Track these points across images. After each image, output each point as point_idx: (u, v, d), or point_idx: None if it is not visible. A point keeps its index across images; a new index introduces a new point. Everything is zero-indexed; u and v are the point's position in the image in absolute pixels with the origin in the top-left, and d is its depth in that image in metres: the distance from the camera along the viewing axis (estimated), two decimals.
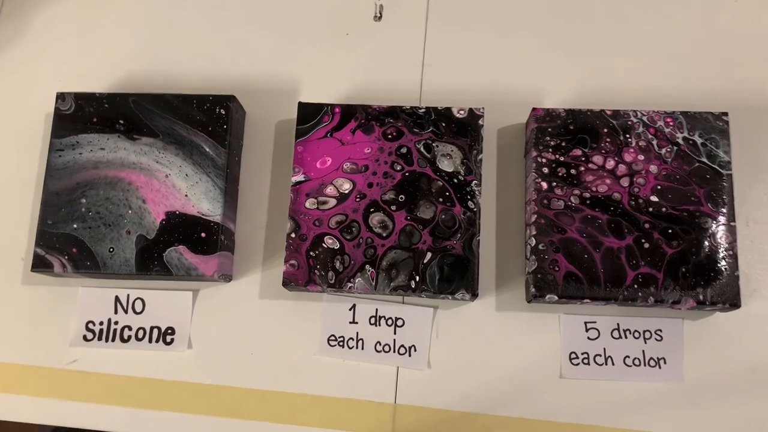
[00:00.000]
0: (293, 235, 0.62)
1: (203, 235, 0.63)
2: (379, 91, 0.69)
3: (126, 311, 0.66)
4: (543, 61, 0.70)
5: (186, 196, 0.64)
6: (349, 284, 0.61)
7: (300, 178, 0.64)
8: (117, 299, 0.66)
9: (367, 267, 0.61)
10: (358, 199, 0.63)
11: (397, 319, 0.64)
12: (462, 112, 0.64)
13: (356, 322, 0.64)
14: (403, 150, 0.63)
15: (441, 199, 0.62)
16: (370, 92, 0.69)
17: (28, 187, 0.69)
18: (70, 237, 0.63)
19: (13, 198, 0.69)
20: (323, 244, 0.62)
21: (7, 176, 0.70)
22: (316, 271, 0.61)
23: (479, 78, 0.69)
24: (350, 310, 0.65)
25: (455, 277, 0.60)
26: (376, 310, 0.65)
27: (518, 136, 0.67)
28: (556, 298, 0.59)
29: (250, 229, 0.67)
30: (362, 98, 0.69)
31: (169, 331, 0.65)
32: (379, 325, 0.64)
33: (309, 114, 0.65)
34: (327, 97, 0.69)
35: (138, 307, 0.66)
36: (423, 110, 0.64)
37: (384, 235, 0.62)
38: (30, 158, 0.70)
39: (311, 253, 0.62)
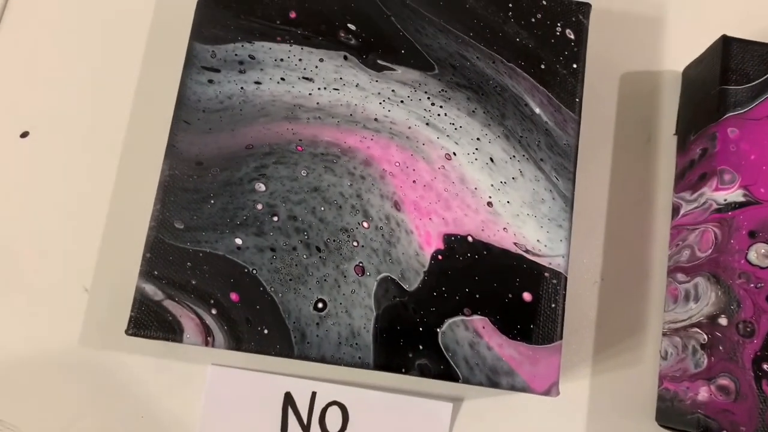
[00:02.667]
0: (723, 323, 0.28)
1: (528, 296, 0.28)
2: None
3: (308, 429, 0.31)
4: None
5: (490, 205, 0.29)
6: None
7: (736, 195, 0.30)
8: (288, 401, 0.31)
9: None
10: None
11: None
12: None
13: None
14: None
15: None
16: None
17: (114, 142, 0.34)
18: (225, 265, 0.28)
19: (88, 165, 0.33)
20: None
21: (83, 121, 0.34)
22: None
23: None
24: None
25: None
26: None
27: None
28: None
29: (576, 283, 0.33)
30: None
31: None
32: None
33: (749, 64, 0.31)
34: (708, 31, 0.34)
35: (334, 423, 0.31)
36: None
37: None
38: (127, 84, 0.34)
39: (765, 367, 0.28)
